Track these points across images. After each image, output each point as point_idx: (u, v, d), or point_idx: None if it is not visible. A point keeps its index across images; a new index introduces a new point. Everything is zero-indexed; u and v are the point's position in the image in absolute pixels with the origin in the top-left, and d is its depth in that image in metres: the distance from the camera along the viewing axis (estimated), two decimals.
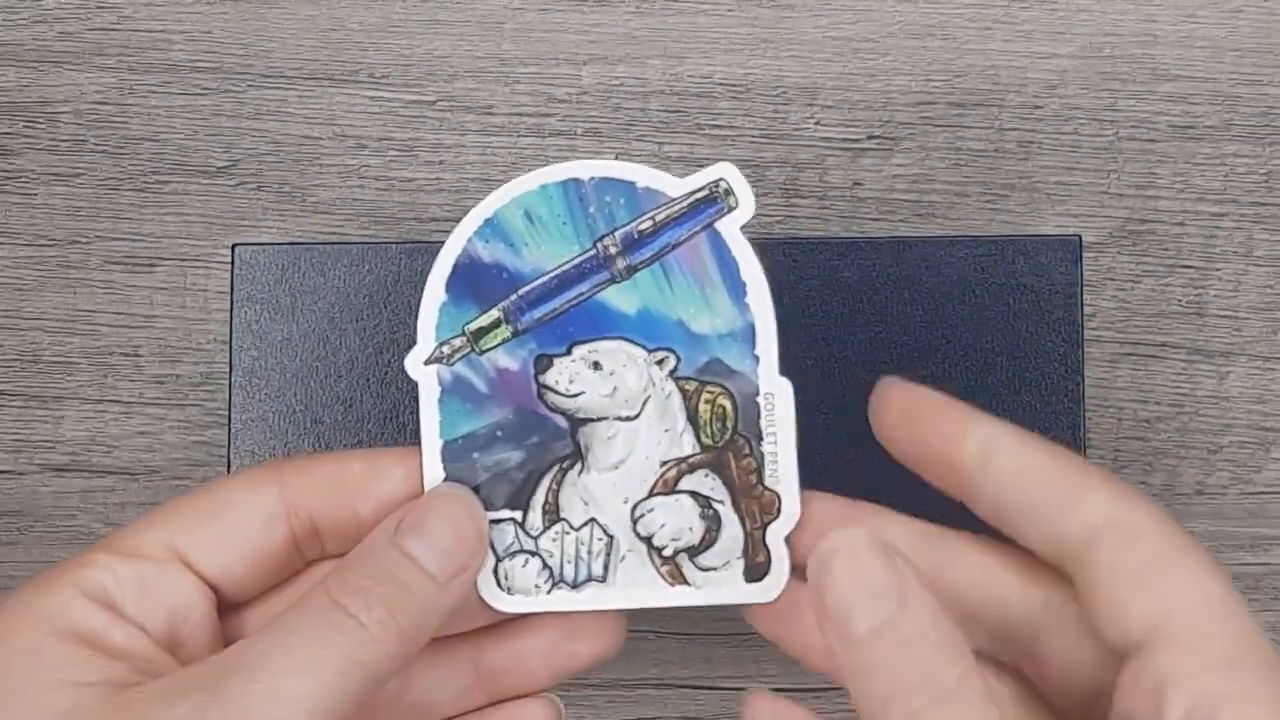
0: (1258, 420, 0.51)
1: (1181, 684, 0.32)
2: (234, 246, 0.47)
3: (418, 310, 0.38)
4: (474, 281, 0.37)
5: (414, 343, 0.38)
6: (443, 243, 0.47)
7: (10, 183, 0.53)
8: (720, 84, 0.52)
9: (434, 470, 0.37)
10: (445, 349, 0.37)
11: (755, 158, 0.52)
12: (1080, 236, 0.46)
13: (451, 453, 0.37)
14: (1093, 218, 0.52)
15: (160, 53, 0.53)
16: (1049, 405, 0.46)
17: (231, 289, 0.47)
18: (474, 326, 0.37)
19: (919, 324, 0.45)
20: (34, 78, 0.53)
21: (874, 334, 0.45)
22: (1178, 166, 0.52)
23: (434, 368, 0.37)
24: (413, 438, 0.46)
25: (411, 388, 0.46)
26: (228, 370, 0.47)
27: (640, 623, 0.51)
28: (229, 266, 0.47)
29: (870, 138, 0.52)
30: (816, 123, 0.52)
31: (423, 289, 0.46)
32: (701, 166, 0.37)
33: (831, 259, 0.46)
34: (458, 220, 0.52)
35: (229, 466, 0.46)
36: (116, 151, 0.53)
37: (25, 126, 0.53)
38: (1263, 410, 0.51)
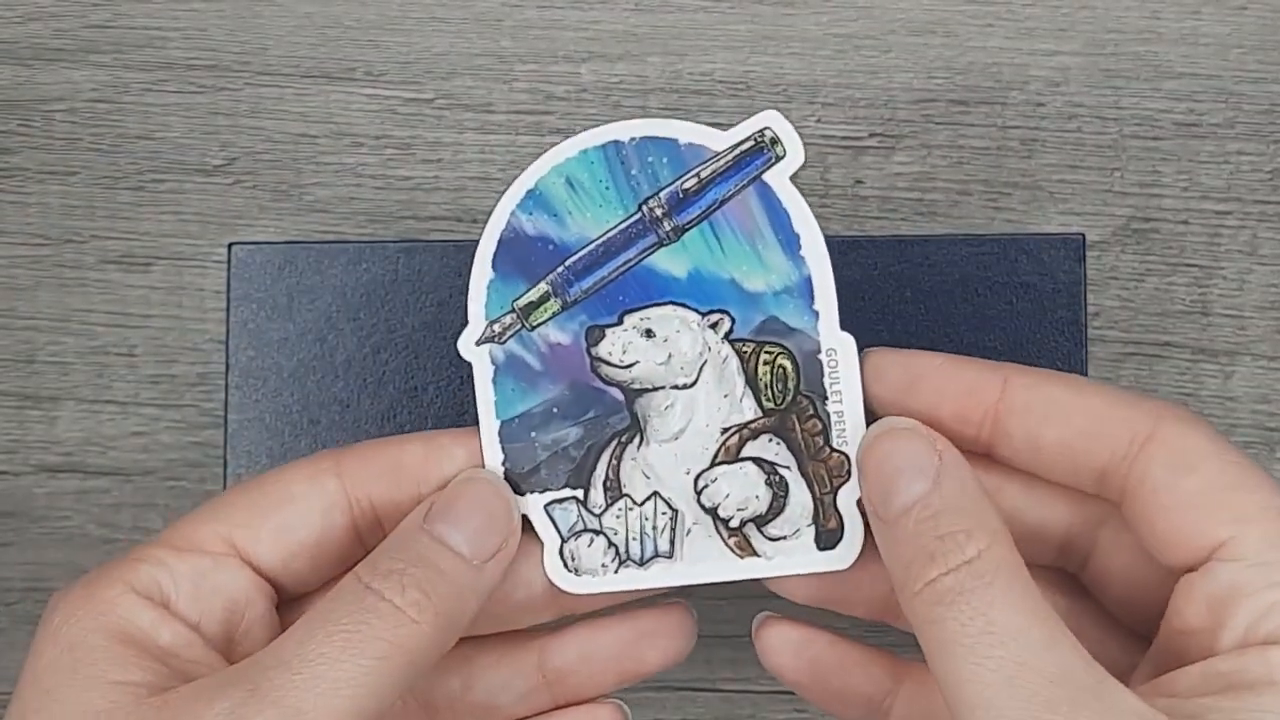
0: (1263, 420, 0.51)
1: (1248, 596, 0.32)
2: (230, 245, 0.47)
3: (466, 289, 0.37)
4: (521, 256, 0.36)
5: (461, 325, 0.37)
6: (442, 242, 0.47)
7: (5, 181, 0.52)
8: (720, 81, 0.52)
9: (493, 451, 0.36)
10: (496, 327, 0.37)
11: None
12: (1083, 235, 0.46)
13: (509, 432, 0.36)
14: (1096, 216, 0.51)
15: (156, 50, 0.53)
16: None
17: (228, 288, 0.46)
18: (523, 302, 0.36)
19: (921, 323, 0.45)
20: (29, 75, 0.52)
21: (876, 333, 0.45)
22: (1182, 164, 0.52)
23: (486, 347, 0.37)
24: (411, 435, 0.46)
25: (410, 388, 0.46)
26: (224, 370, 0.46)
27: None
28: (225, 265, 0.47)
29: (872, 135, 0.52)
30: (817, 120, 0.52)
31: (420, 288, 0.46)
32: None
33: (833, 258, 0.45)
34: (456, 219, 0.52)
35: (225, 467, 0.46)
36: (112, 149, 0.52)
37: (19, 124, 0.52)
38: (1268, 410, 0.51)
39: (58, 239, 0.52)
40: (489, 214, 0.37)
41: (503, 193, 0.37)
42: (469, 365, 0.37)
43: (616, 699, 0.39)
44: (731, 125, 0.52)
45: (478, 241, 0.37)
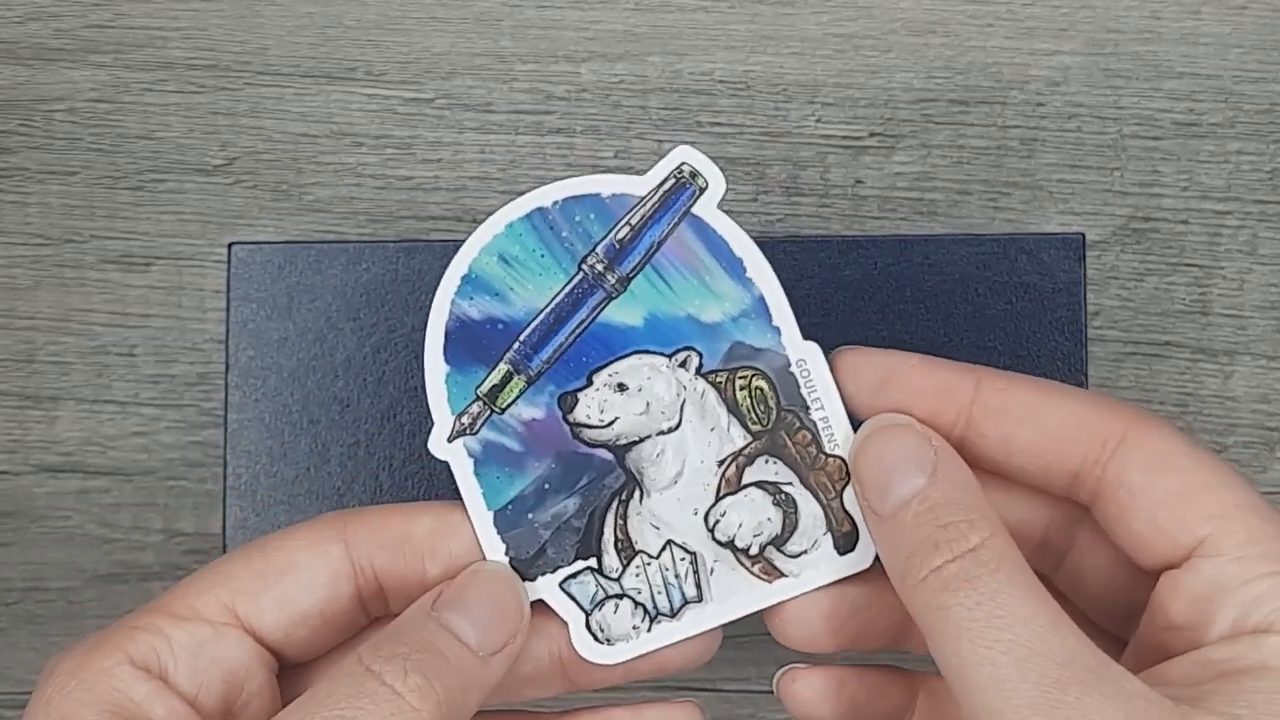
0: (1262, 420, 0.51)
1: (1233, 589, 0.32)
2: (230, 245, 0.47)
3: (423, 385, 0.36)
4: (472, 343, 0.36)
5: (430, 422, 0.36)
6: (442, 241, 0.47)
7: (5, 180, 0.52)
8: (720, 81, 0.52)
9: (491, 543, 0.36)
10: (464, 419, 0.36)
11: (756, 155, 0.52)
12: (1083, 235, 0.46)
13: (505, 520, 0.36)
14: (1096, 216, 0.51)
15: (156, 50, 0.53)
16: None
17: (228, 288, 0.46)
18: (486, 388, 0.36)
19: (921, 323, 0.45)
20: (29, 75, 0.52)
21: (876, 333, 0.45)
22: (1181, 164, 0.51)
23: (459, 442, 0.36)
24: (410, 437, 0.46)
25: (410, 388, 0.46)
26: (224, 370, 0.46)
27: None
28: (225, 265, 0.47)
29: (872, 135, 0.52)
30: (818, 120, 0.52)
31: (420, 287, 0.46)
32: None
33: (833, 257, 0.45)
34: (456, 219, 0.52)
35: (225, 467, 0.46)
36: (112, 149, 0.52)
37: (20, 124, 0.52)
38: (1267, 410, 0.51)
39: (58, 239, 0.52)
40: (479, 221, 0.36)
41: (458, 217, 0.36)
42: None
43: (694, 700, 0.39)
44: (732, 125, 0.52)
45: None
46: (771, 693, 0.51)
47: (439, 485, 0.46)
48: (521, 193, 0.36)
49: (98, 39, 0.53)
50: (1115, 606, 0.36)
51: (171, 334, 0.52)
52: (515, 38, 0.52)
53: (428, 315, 0.46)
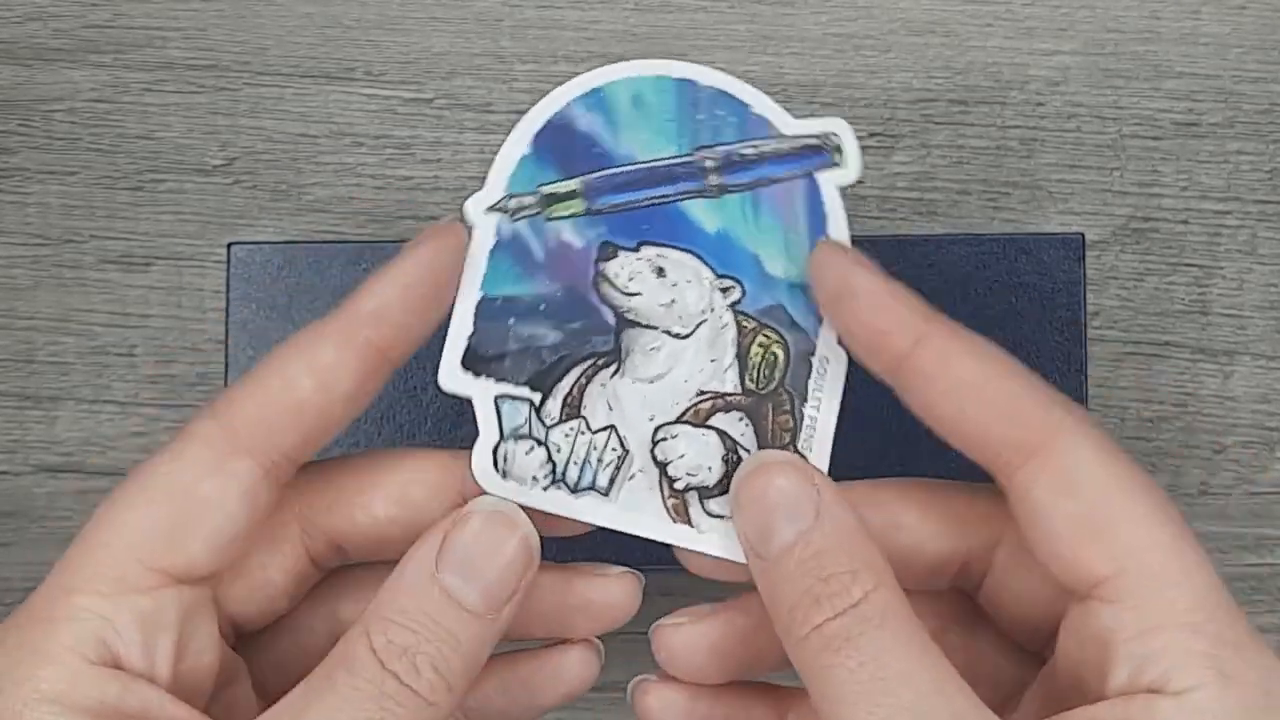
0: (1262, 420, 0.51)
1: (1126, 641, 0.31)
2: (230, 245, 0.47)
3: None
4: (562, 145, 0.35)
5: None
6: None
7: (4, 181, 0.52)
8: None
9: (463, 323, 0.35)
10: (512, 202, 0.35)
11: None
12: (1083, 234, 0.46)
13: (487, 310, 0.35)
14: (1096, 216, 0.51)
15: (155, 50, 0.53)
16: None
17: (227, 288, 0.46)
18: (549, 190, 0.35)
19: None
20: (28, 75, 0.52)
21: None
22: (1181, 164, 0.51)
23: (495, 217, 0.36)
24: (409, 438, 0.46)
25: (409, 390, 0.46)
26: (224, 370, 0.46)
27: (638, 624, 0.51)
28: (225, 265, 0.47)
29: (871, 135, 0.52)
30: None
31: None
32: None
33: None
34: (457, 219, 0.52)
35: None
36: (111, 149, 0.52)
37: (19, 124, 0.52)
38: (1267, 410, 0.51)
39: (57, 239, 0.52)
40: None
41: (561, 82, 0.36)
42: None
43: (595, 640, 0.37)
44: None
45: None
46: None
47: None
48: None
49: (97, 39, 0.53)
50: (1034, 630, 0.35)
51: (171, 334, 0.52)
52: (515, 38, 0.52)
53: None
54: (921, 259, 0.45)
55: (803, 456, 0.35)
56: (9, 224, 0.52)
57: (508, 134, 0.52)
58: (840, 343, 0.35)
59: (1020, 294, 0.45)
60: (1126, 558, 0.32)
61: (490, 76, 0.52)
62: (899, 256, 0.45)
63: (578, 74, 0.52)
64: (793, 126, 0.36)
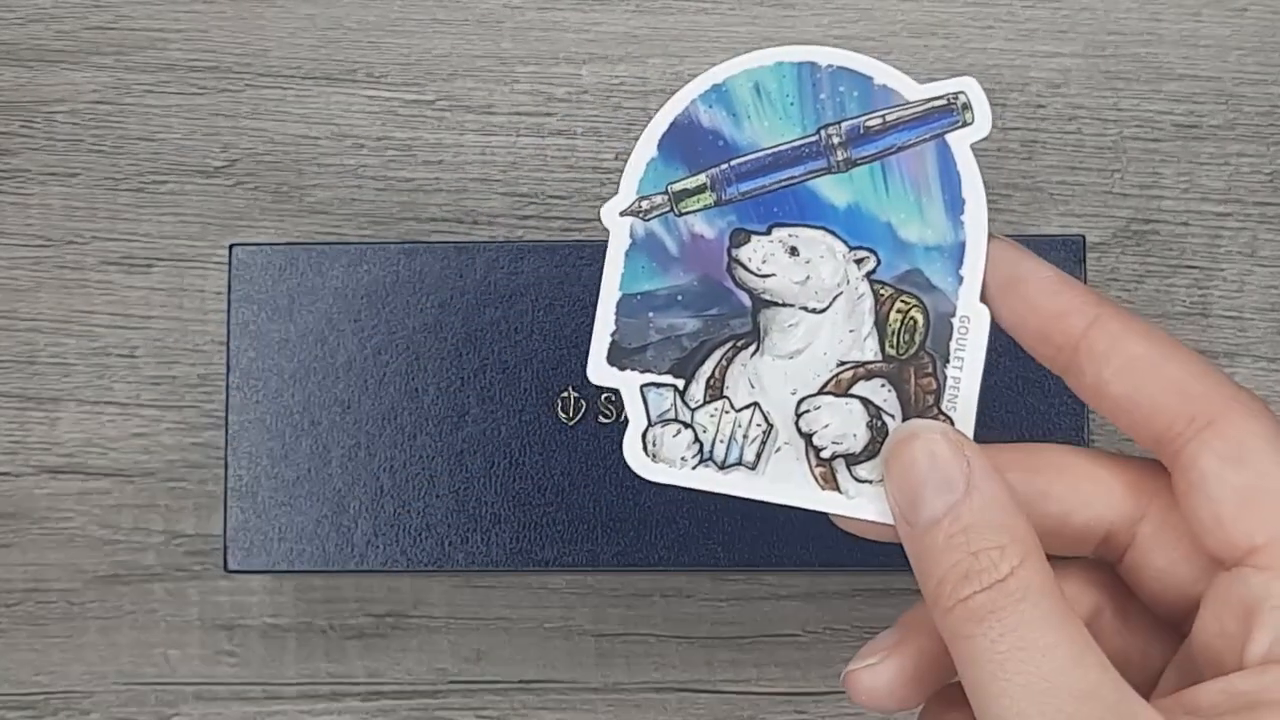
0: None
1: (1276, 609, 0.32)
2: (231, 247, 0.47)
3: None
4: (688, 143, 0.36)
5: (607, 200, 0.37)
6: (443, 243, 0.47)
7: (6, 182, 0.52)
8: None
9: (605, 321, 0.36)
10: (644, 204, 0.36)
11: None
12: (1084, 236, 0.46)
13: (627, 307, 0.36)
14: (1096, 218, 0.51)
15: (157, 52, 0.53)
16: (1052, 406, 0.46)
17: (229, 289, 0.46)
18: (678, 187, 0.36)
19: None
20: (30, 77, 0.52)
21: None
22: (1182, 166, 0.52)
23: (628, 220, 0.36)
24: (411, 439, 0.46)
25: (411, 389, 0.46)
26: (225, 371, 0.46)
27: (640, 626, 0.51)
28: (226, 267, 0.47)
29: None
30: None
31: (421, 289, 0.46)
32: None
33: None
34: (457, 220, 0.52)
35: (226, 468, 0.46)
36: (113, 151, 0.52)
37: (21, 126, 0.52)
38: None
39: (59, 240, 0.52)
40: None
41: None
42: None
43: None
44: None
45: (651, 118, 0.37)
46: (772, 694, 0.51)
47: (440, 488, 0.46)
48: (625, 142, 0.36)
49: (99, 41, 0.53)
50: (1176, 602, 0.36)
51: (173, 335, 0.52)
52: (516, 39, 0.52)
53: (430, 317, 0.46)
54: None
55: (948, 418, 0.36)
56: (11, 225, 0.52)
57: (509, 136, 0.52)
58: (993, 312, 0.36)
59: None
60: None
61: (491, 78, 0.52)
62: None
63: (579, 76, 0.52)
64: (918, 91, 0.36)
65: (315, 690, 0.51)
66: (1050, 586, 0.32)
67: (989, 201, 0.51)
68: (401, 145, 0.52)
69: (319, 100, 0.52)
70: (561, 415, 0.46)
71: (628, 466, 0.36)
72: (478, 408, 0.46)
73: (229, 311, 0.46)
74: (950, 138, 0.36)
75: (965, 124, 0.36)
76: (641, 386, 0.36)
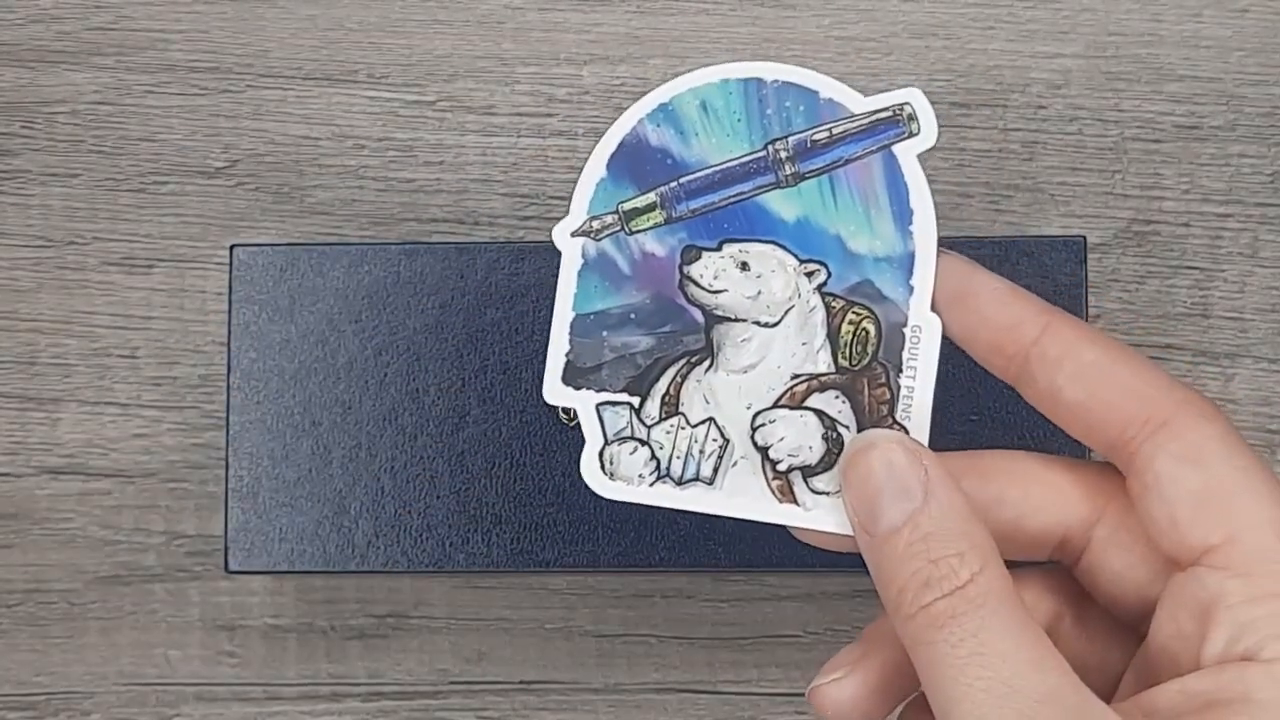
0: (1264, 423, 0.51)
1: (1229, 608, 0.32)
2: (232, 247, 0.47)
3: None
4: (636, 163, 0.37)
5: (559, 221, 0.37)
6: (444, 244, 0.47)
7: (7, 183, 0.52)
8: None
9: (560, 341, 0.36)
10: (595, 223, 0.37)
11: None
12: (1084, 237, 0.46)
13: (581, 327, 0.36)
14: (1097, 218, 0.51)
15: (158, 52, 0.53)
16: None
17: (230, 290, 0.46)
18: (628, 206, 0.36)
19: None
20: (31, 77, 0.52)
21: None
22: (1183, 167, 0.52)
23: (580, 240, 0.37)
24: (412, 440, 0.46)
25: (412, 390, 0.46)
26: (226, 372, 0.46)
27: (641, 627, 0.51)
28: (227, 268, 0.47)
29: None
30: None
31: (422, 290, 0.46)
32: None
33: None
34: (458, 221, 0.52)
35: (227, 469, 0.46)
36: (114, 152, 0.52)
37: (22, 126, 0.52)
38: (1269, 413, 0.51)
39: (60, 241, 0.52)
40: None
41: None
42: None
43: None
44: None
45: (597, 140, 0.37)
46: (773, 695, 0.51)
47: (441, 489, 0.46)
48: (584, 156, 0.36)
49: (100, 41, 0.53)
50: (1132, 606, 0.36)
51: (173, 336, 0.52)
52: (517, 40, 0.52)
53: (431, 317, 0.46)
54: None
55: (902, 427, 0.36)
56: (11, 226, 0.52)
57: (510, 137, 0.52)
58: (944, 325, 0.36)
59: None
60: (1242, 528, 0.32)
61: (492, 79, 0.52)
62: None
63: (580, 76, 0.52)
64: (864, 104, 0.36)
65: (316, 691, 0.51)
66: (1009, 592, 0.32)
67: (990, 202, 0.51)
68: (402, 146, 0.52)
69: (320, 101, 0.52)
70: (562, 416, 0.46)
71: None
72: (479, 408, 0.46)
73: (230, 312, 0.46)
74: (897, 149, 0.36)
75: (911, 134, 0.36)
76: (597, 405, 0.37)
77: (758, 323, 0.36)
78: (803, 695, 0.51)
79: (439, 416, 0.46)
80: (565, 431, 0.46)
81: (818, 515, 0.36)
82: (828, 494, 0.36)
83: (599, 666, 0.51)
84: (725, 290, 0.36)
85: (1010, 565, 0.33)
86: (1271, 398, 0.51)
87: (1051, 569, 0.37)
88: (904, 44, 0.52)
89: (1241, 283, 0.51)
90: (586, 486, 0.36)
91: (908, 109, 0.36)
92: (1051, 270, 0.45)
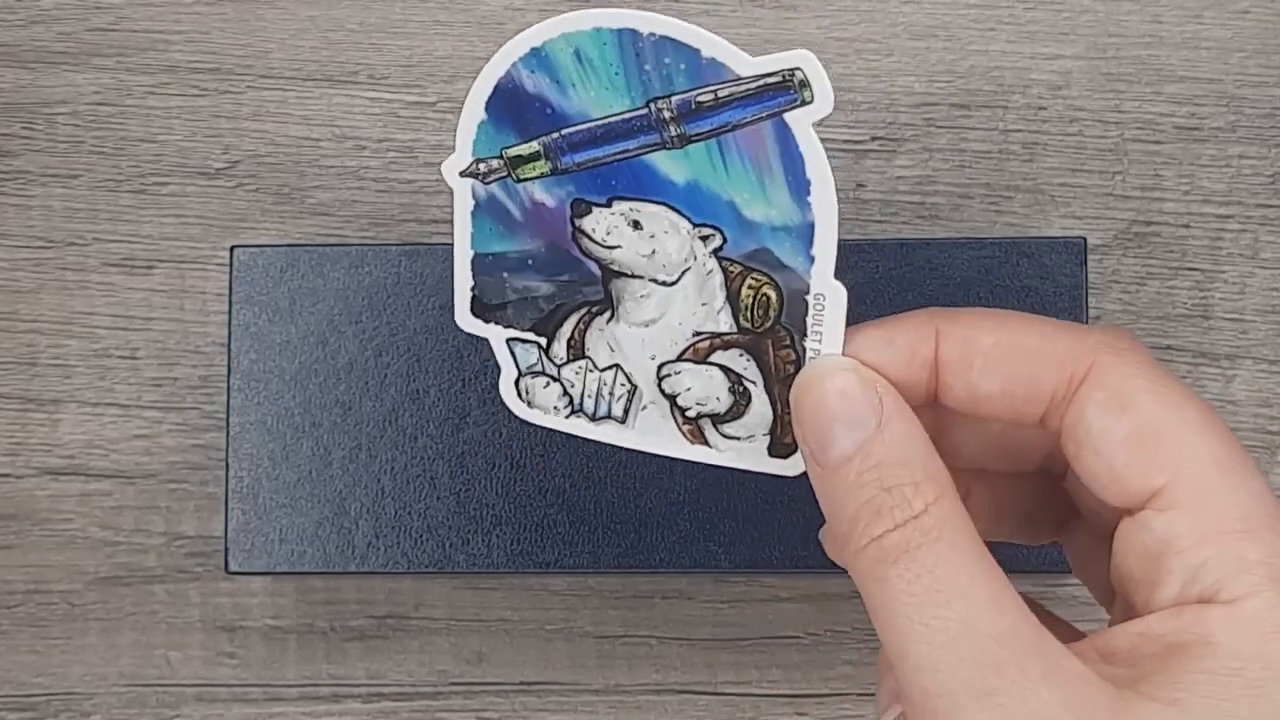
0: (1264, 424, 0.51)
1: (1180, 551, 0.31)
2: (232, 248, 0.47)
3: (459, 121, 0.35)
4: (515, 108, 0.35)
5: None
6: (444, 245, 0.47)
7: (8, 184, 0.52)
8: None
9: (464, 277, 0.36)
10: (481, 167, 0.35)
11: None
12: (1085, 239, 0.46)
13: (482, 265, 0.36)
14: (1097, 220, 0.51)
15: (158, 53, 0.53)
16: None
17: (230, 291, 0.46)
18: (513, 152, 0.35)
19: None
20: (31, 78, 0.53)
21: None
22: (1183, 168, 0.52)
23: (469, 181, 0.36)
24: (412, 441, 0.46)
25: (412, 391, 0.46)
26: (226, 373, 0.46)
27: (641, 628, 0.51)
28: (227, 268, 0.47)
29: (873, 139, 0.52)
30: (819, 124, 0.52)
31: (422, 291, 0.46)
32: None
33: (834, 261, 0.45)
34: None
35: (227, 470, 0.46)
36: (114, 153, 0.52)
37: (23, 127, 0.52)
38: (1269, 414, 0.51)
39: (60, 242, 0.52)
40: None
41: (503, 42, 0.35)
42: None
43: None
44: None
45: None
46: (773, 696, 0.51)
47: (441, 490, 0.46)
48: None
49: (100, 42, 0.53)
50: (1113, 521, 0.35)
51: (174, 337, 0.52)
52: None
53: (431, 318, 0.46)
54: (923, 263, 0.45)
55: None
56: (12, 227, 0.52)
57: None
58: (837, 278, 0.35)
59: (1022, 298, 0.45)
60: (1181, 465, 0.31)
61: None
62: (901, 260, 0.45)
63: None
64: (751, 66, 0.34)
65: (316, 692, 0.51)
66: (966, 525, 0.31)
67: (991, 203, 0.51)
68: (403, 147, 0.52)
69: (320, 102, 0.52)
70: None
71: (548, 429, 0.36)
72: (479, 409, 0.46)
73: (230, 313, 0.46)
74: (789, 117, 0.34)
75: (804, 102, 0.34)
76: (508, 340, 0.37)
77: (655, 280, 0.36)
78: (803, 696, 0.51)
79: (439, 417, 0.46)
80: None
81: (730, 456, 0.36)
82: (739, 439, 0.36)
83: (599, 667, 0.51)
84: (619, 246, 0.35)
85: (993, 547, 0.32)
86: (1272, 399, 0.51)
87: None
88: (904, 45, 0.52)
89: (1242, 284, 0.51)
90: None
91: (799, 75, 0.33)
92: (1052, 271, 0.45)
